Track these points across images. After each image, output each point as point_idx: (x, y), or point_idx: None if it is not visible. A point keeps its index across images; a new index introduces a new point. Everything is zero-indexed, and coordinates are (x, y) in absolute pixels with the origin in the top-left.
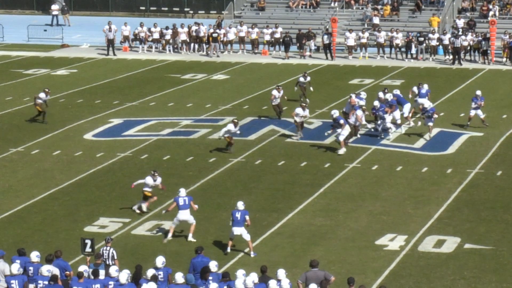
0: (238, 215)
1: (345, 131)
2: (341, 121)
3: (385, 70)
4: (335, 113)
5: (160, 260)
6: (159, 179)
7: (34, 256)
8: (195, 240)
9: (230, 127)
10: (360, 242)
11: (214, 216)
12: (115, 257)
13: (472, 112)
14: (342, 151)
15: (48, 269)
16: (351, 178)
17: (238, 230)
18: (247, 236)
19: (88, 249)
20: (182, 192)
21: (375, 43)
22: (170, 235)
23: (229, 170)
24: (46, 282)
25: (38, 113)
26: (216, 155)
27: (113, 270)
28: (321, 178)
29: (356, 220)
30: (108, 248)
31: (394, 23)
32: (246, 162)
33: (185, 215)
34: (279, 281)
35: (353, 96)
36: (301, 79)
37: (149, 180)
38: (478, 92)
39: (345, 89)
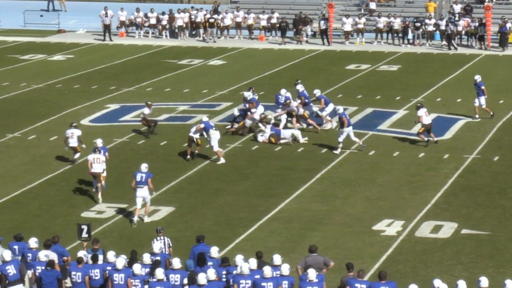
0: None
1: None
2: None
3: (382, 56)
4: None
5: (157, 246)
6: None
7: (33, 242)
8: (150, 220)
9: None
10: (357, 228)
11: (211, 202)
12: (171, 245)
13: (476, 102)
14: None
15: (45, 254)
16: (348, 164)
17: (141, 192)
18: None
19: (84, 235)
20: (143, 167)
21: (374, 28)
22: (135, 217)
23: (226, 156)
24: (43, 268)
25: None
26: None
27: (111, 256)
28: (318, 163)
29: (353, 206)
30: (161, 237)
31: (391, 8)
32: (243, 148)
33: (141, 192)
34: (276, 266)
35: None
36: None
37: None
38: (476, 77)
39: (342, 75)
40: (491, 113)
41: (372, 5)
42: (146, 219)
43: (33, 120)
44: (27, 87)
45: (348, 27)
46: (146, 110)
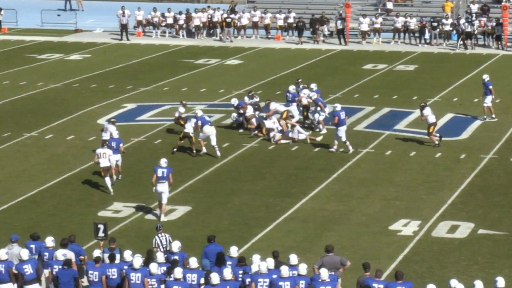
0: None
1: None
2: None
3: (399, 55)
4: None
5: (176, 245)
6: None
7: (50, 241)
8: (166, 219)
9: None
10: (373, 227)
11: (227, 201)
12: (171, 241)
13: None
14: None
15: (63, 253)
16: (364, 163)
17: (161, 187)
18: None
19: (101, 234)
20: (162, 162)
21: (392, 28)
22: (159, 210)
23: (242, 155)
24: (60, 267)
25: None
26: (229, 140)
27: (127, 255)
28: (334, 163)
29: (369, 206)
30: (163, 234)
31: (408, 8)
32: (259, 147)
33: (162, 187)
34: (292, 266)
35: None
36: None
37: None
38: (484, 76)
39: (359, 75)
40: (485, 116)
41: (389, 5)
42: (163, 218)
43: (50, 120)
44: (44, 86)
45: (365, 27)
46: (182, 109)
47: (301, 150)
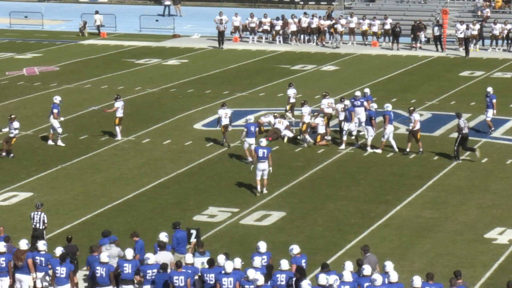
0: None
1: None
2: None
3: (496, 63)
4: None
5: (263, 246)
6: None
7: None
8: (266, 192)
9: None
10: (468, 235)
11: (322, 207)
12: (45, 221)
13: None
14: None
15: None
16: (460, 171)
17: (263, 166)
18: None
19: (193, 239)
20: (263, 142)
21: (490, 34)
22: (259, 187)
23: (337, 161)
24: (155, 271)
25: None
26: (325, 146)
27: (221, 259)
28: (430, 170)
29: (465, 213)
30: (39, 213)
31: (506, 15)
32: (355, 154)
33: (262, 165)
34: (386, 273)
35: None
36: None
37: None
38: (489, 89)
39: (456, 81)
40: (492, 128)
41: (487, 12)
42: (265, 191)
43: (147, 124)
44: (142, 91)
45: (462, 34)
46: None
47: (397, 157)
